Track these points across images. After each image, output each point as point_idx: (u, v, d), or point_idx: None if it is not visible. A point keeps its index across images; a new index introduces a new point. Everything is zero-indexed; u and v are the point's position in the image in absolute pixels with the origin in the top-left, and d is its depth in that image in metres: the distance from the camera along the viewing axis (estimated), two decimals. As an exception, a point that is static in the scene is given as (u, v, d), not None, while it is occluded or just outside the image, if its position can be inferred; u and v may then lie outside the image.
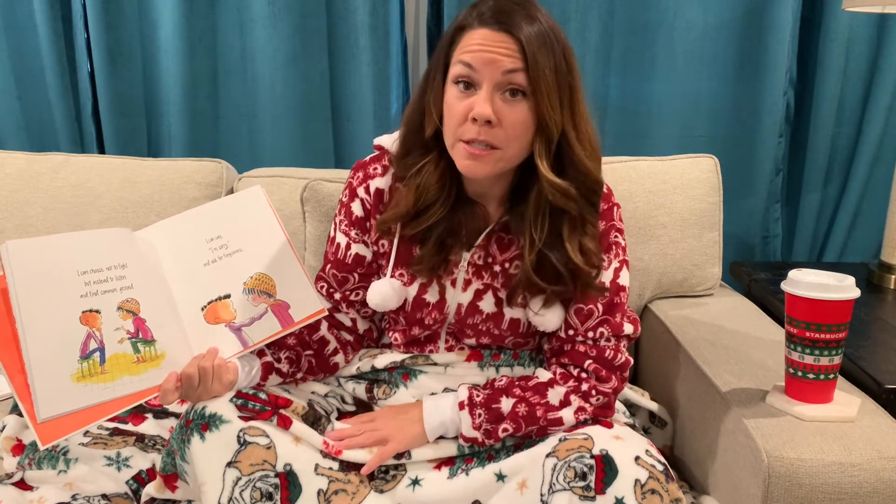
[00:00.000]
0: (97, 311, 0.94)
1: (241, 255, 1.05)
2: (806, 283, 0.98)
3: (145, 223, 1.50)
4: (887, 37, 1.77)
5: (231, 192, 1.57)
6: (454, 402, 1.03)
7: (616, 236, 1.09)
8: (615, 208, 1.10)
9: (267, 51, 1.77)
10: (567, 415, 1.02)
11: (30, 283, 0.92)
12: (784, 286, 1.00)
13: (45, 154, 1.59)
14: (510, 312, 1.08)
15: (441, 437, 1.05)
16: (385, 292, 1.08)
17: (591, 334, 1.05)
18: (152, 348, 0.96)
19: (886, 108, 1.80)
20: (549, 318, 1.06)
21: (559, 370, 1.06)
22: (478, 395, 1.03)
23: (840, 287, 0.97)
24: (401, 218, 1.05)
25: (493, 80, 0.94)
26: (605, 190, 1.06)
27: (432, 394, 1.10)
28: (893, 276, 1.55)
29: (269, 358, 1.06)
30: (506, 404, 1.02)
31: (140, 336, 0.96)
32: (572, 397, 1.02)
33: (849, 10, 1.58)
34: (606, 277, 1.06)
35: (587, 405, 1.03)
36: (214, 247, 1.04)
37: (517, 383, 1.05)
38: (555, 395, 1.03)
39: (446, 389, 1.10)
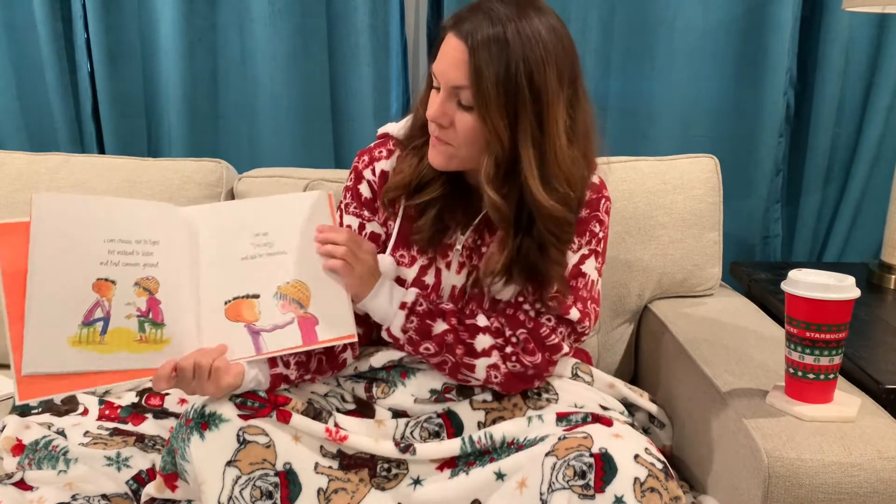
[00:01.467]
0: (112, 282, 0.91)
1: (284, 258, 1.00)
2: (806, 283, 0.98)
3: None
4: (887, 37, 1.77)
5: (231, 192, 1.57)
6: (399, 299, 1.05)
7: (595, 226, 1.11)
8: (603, 200, 1.12)
9: (267, 51, 1.77)
10: (481, 364, 1.05)
11: (49, 238, 0.88)
12: (784, 286, 1.00)
13: (45, 154, 1.59)
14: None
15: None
16: (384, 262, 1.09)
17: (538, 306, 1.07)
18: (159, 331, 0.94)
19: (886, 108, 1.80)
20: (506, 291, 1.09)
21: (495, 324, 1.08)
22: (420, 305, 1.05)
23: (840, 287, 0.97)
24: (404, 188, 1.09)
25: (446, 89, 0.99)
26: (596, 181, 1.10)
27: (432, 391, 1.10)
28: (893, 277, 1.55)
29: (279, 370, 1.03)
30: (438, 326, 1.04)
31: (150, 316, 0.93)
32: (494, 352, 1.05)
33: (849, 10, 1.58)
34: (571, 261, 1.08)
35: (502, 366, 1.05)
36: (258, 243, 1.00)
37: (457, 315, 1.07)
38: (481, 342, 1.05)
39: (445, 385, 1.10)
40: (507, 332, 1.07)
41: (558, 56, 0.96)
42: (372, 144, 1.17)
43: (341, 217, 1.15)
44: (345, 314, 1.00)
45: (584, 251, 1.10)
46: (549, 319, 1.07)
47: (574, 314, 1.08)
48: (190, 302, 0.96)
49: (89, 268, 0.90)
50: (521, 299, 1.09)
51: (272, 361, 1.02)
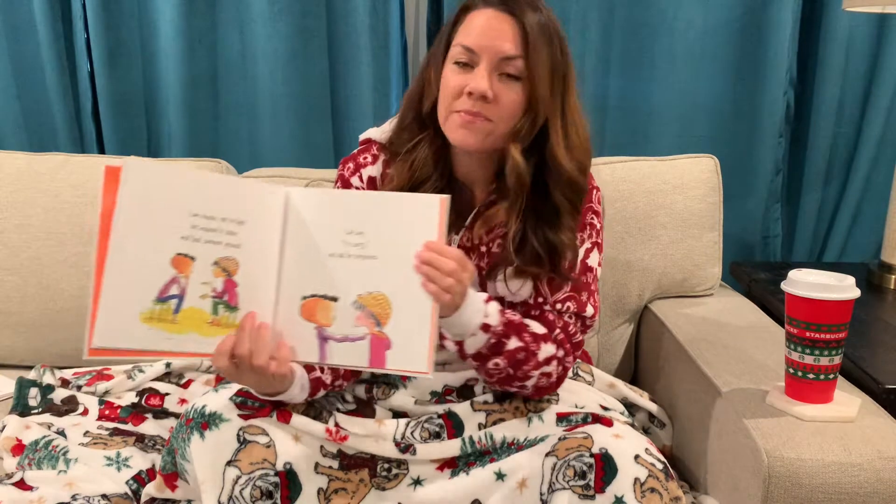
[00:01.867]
0: (191, 258, 0.86)
1: (374, 263, 0.90)
2: (806, 283, 0.98)
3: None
4: (887, 37, 1.77)
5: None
6: (481, 317, 0.97)
7: (592, 218, 1.11)
8: (594, 191, 1.12)
9: (267, 51, 1.77)
10: (536, 374, 1.01)
11: (135, 206, 0.83)
12: (784, 286, 1.00)
13: (45, 154, 1.59)
14: (491, 290, 1.08)
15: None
16: None
17: (559, 306, 1.06)
18: (232, 315, 0.89)
19: (886, 108, 1.80)
20: (523, 291, 1.07)
21: (550, 329, 1.05)
22: (499, 326, 0.98)
23: (840, 287, 0.97)
24: None
25: (491, 62, 0.98)
26: None
27: (432, 392, 1.10)
28: (893, 277, 1.55)
29: (317, 373, 1.01)
30: (511, 343, 0.99)
31: (225, 298, 0.88)
32: (553, 361, 1.03)
33: (849, 10, 1.58)
34: (577, 255, 1.08)
35: (554, 374, 1.03)
36: (351, 241, 0.90)
37: (526, 329, 1.01)
38: (544, 351, 1.02)
39: (446, 386, 1.10)
40: (553, 335, 1.05)
41: (566, 36, 1.04)
42: (355, 151, 1.15)
43: None
44: (423, 346, 0.89)
45: (587, 245, 1.10)
46: (570, 317, 1.07)
47: (589, 310, 1.08)
48: (267, 289, 0.91)
49: (170, 241, 0.85)
50: (540, 300, 1.07)
51: (308, 366, 1.00)
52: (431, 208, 0.89)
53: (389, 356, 0.90)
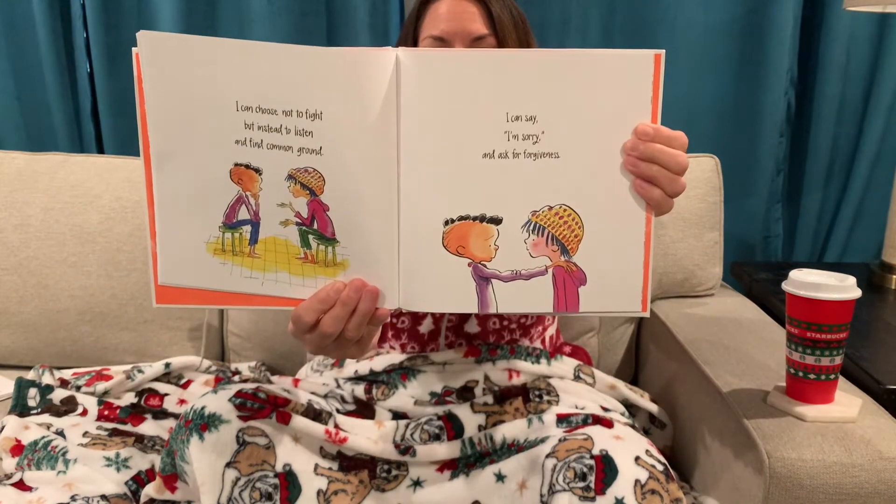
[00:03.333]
0: (256, 171, 0.64)
1: (556, 164, 0.64)
2: (807, 283, 0.98)
3: (144, 223, 1.50)
4: (888, 36, 1.76)
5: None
6: None
7: None
8: None
9: (267, 50, 1.77)
10: None
11: (166, 97, 0.62)
12: (785, 286, 1.00)
13: (44, 154, 1.59)
14: None
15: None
16: None
17: None
18: (331, 249, 0.66)
19: (887, 108, 1.80)
20: None
21: None
22: None
23: (841, 287, 0.97)
24: None
25: (464, 45, 1.01)
26: None
27: (432, 393, 1.10)
28: (894, 277, 1.55)
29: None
30: None
31: (314, 226, 0.66)
32: None
33: (849, 9, 1.57)
34: None
35: None
36: (516, 131, 0.63)
37: None
38: None
39: (445, 388, 1.10)
40: None
41: None
42: None
43: None
44: (636, 276, 0.68)
45: None
46: None
47: None
48: (382, 214, 0.65)
49: (223, 147, 0.64)
50: None
51: None
52: (643, 71, 0.62)
53: (585, 294, 0.68)
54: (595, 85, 0.62)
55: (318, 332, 0.71)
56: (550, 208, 0.65)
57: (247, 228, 0.66)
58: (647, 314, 0.69)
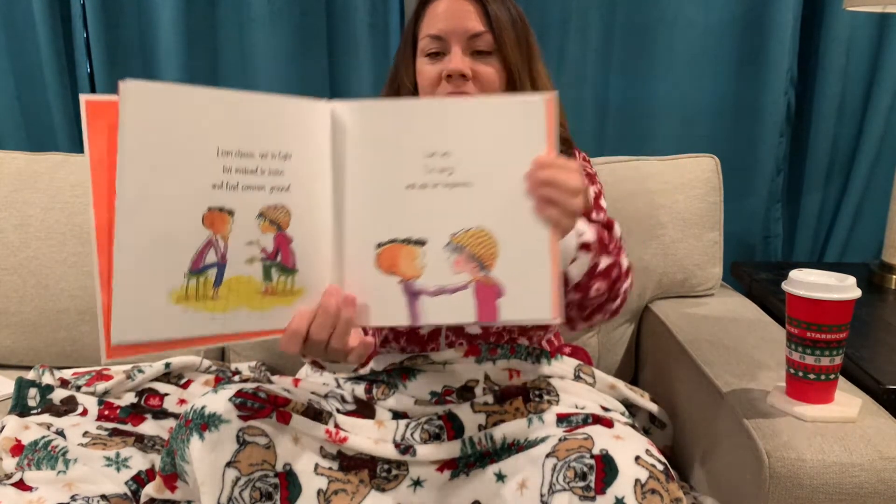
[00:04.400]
0: (229, 212, 0.66)
1: (469, 192, 0.72)
2: (807, 283, 0.98)
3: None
4: (888, 37, 1.76)
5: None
6: (576, 237, 0.88)
7: (586, 167, 1.15)
8: (577, 152, 1.16)
9: (266, 50, 1.77)
10: (622, 289, 0.98)
11: (145, 147, 0.61)
12: (785, 286, 1.00)
13: (43, 154, 1.59)
14: None
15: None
16: None
17: (597, 216, 1.01)
18: (290, 280, 0.70)
19: (887, 108, 1.80)
20: None
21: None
22: (594, 242, 0.89)
23: (841, 287, 0.97)
24: None
25: (461, 42, 1.02)
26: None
27: (432, 393, 1.10)
28: (894, 277, 1.55)
29: (369, 336, 0.87)
30: (603, 261, 0.90)
31: (278, 259, 0.69)
32: (631, 272, 1.00)
33: (849, 9, 1.57)
34: (589, 196, 1.06)
35: (627, 286, 1.00)
36: (434, 167, 0.72)
37: (612, 239, 0.94)
38: (625, 262, 0.99)
39: (445, 387, 1.10)
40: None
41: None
42: None
43: None
44: (545, 286, 0.74)
45: (594, 189, 1.12)
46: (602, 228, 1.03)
47: (617, 229, 1.04)
48: (330, 240, 0.72)
49: (199, 192, 0.64)
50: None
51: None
52: (537, 112, 0.72)
53: (503, 305, 0.74)
54: (498, 125, 0.71)
55: (309, 341, 0.75)
56: (468, 231, 0.73)
57: (212, 272, 0.67)
58: (558, 320, 0.75)
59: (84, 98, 0.60)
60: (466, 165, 0.72)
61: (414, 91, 1.09)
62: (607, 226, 0.98)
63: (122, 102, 0.61)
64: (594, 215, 1.02)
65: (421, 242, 0.73)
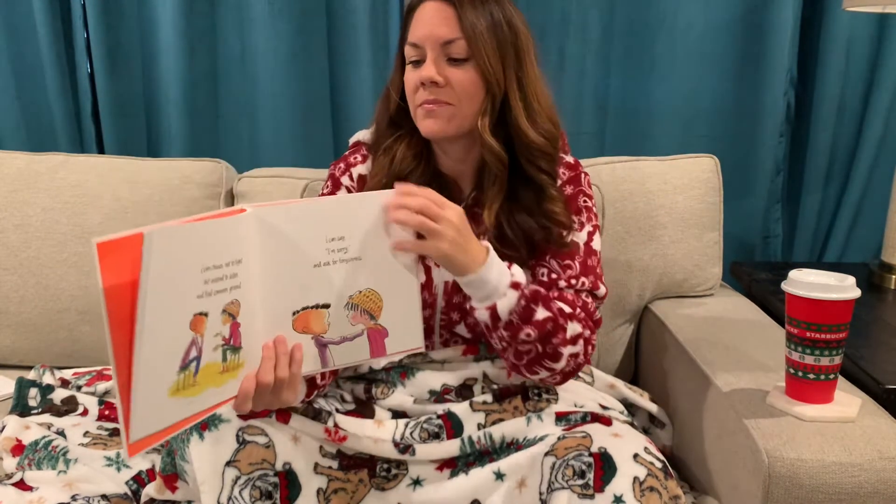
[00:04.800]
0: (205, 315, 0.78)
1: (359, 264, 0.90)
2: (806, 283, 0.98)
3: (145, 223, 1.49)
4: (888, 37, 1.76)
5: (231, 192, 1.57)
6: (509, 277, 0.96)
7: (585, 201, 1.12)
8: (583, 175, 1.14)
9: (267, 51, 1.77)
10: (566, 353, 0.99)
11: (160, 281, 0.73)
12: (784, 286, 1.00)
13: (44, 154, 1.59)
14: None
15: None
16: None
17: (573, 282, 1.06)
18: (237, 356, 0.83)
19: (887, 108, 1.80)
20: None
21: (574, 307, 1.03)
22: (527, 289, 0.96)
23: (840, 287, 0.97)
24: (381, 189, 1.07)
25: (434, 50, 1.02)
26: (571, 161, 1.13)
27: (431, 392, 1.10)
28: (894, 277, 1.55)
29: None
30: (539, 312, 0.96)
31: (231, 342, 0.82)
32: (580, 340, 1.01)
33: (849, 9, 1.58)
34: (580, 239, 1.09)
35: (580, 355, 1.01)
36: (333, 248, 0.89)
37: (553, 300, 1.00)
38: (572, 329, 1.00)
39: (444, 386, 1.10)
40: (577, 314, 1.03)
41: (518, 12, 1.06)
42: (346, 153, 1.19)
43: None
44: (415, 324, 0.95)
45: (588, 227, 1.11)
46: (587, 296, 1.07)
47: (602, 289, 1.08)
48: (261, 316, 0.86)
49: (189, 304, 0.77)
50: (553, 276, 1.07)
51: None
52: (381, 200, 0.91)
53: (388, 343, 0.93)
54: (365, 213, 0.90)
55: (258, 390, 0.85)
56: (360, 292, 0.91)
57: (193, 364, 0.78)
58: (422, 349, 0.97)
59: (95, 241, 0.69)
60: (355, 244, 0.90)
61: (400, 99, 1.10)
62: (546, 297, 0.98)
63: (146, 247, 0.72)
64: (573, 281, 1.06)
65: (326, 306, 0.90)
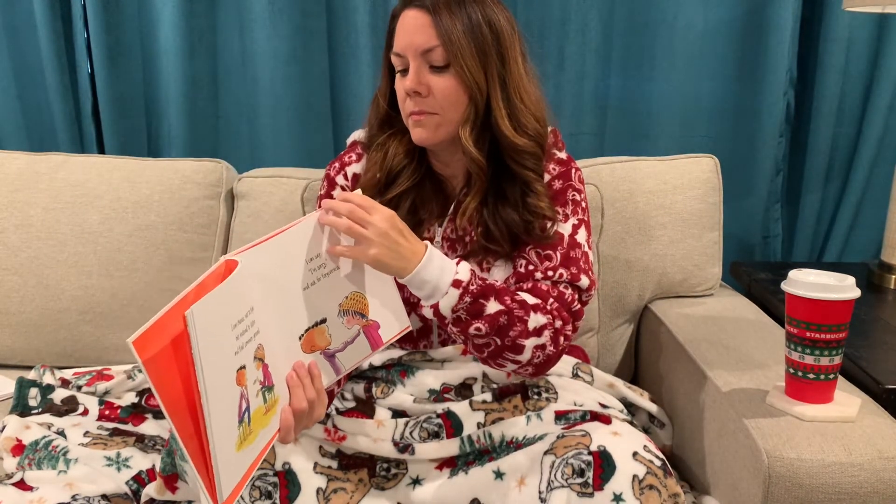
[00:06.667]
0: (244, 367, 0.81)
1: (337, 273, 0.95)
2: (806, 283, 0.98)
3: (144, 223, 1.51)
4: (887, 37, 1.76)
5: (231, 192, 1.57)
6: (452, 274, 0.96)
7: (574, 195, 1.12)
8: (574, 171, 1.14)
9: (267, 51, 1.77)
10: (530, 345, 0.99)
11: (209, 351, 0.75)
12: (784, 286, 1.00)
13: (44, 154, 1.59)
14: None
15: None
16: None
17: (550, 273, 1.06)
18: (272, 394, 0.87)
19: (886, 108, 1.80)
20: (494, 274, 1.10)
21: (540, 300, 1.03)
22: (473, 285, 0.97)
23: (840, 287, 0.97)
24: (374, 186, 1.10)
25: (416, 59, 1.03)
26: (563, 157, 1.13)
27: (431, 391, 1.10)
28: (893, 277, 1.55)
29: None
30: (491, 306, 0.97)
31: (266, 384, 0.85)
32: (545, 332, 1.00)
33: (849, 10, 1.58)
34: (565, 231, 1.09)
35: (549, 346, 1.01)
36: (313, 267, 0.94)
37: (510, 293, 1.00)
38: (534, 321, 1.00)
39: (444, 385, 1.10)
40: (547, 306, 1.03)
41: (502, 9, 1.06)
42: (342, 152, 1.20)
43: None
44: (398, 307, 1.00)
45: (574, 220, 1.10)
46: (565, 287, 1.06)
47: (584, 280, 1.07)
48: (279, 351, 0.90)
49: (231, 363, 0.80)
50: (531, 267, 1.07)
51: None
52: (313, 225, 0.96)
53: (382, 333, 0.99)
54: (320, 229, 0.94)
55: (296, 418, 0.88)
56: (347, 297, 0.96)
57: (246, 415, 0.82)
58: (409, 327, 1.02)
59: (130, 341, 0.72)
60: (328, 259, 0.95)
61: (389, 106, 1.11)
62: (501, 290, 0.99)
63: (191, 325, 0.73)
64: (551, 273, 1.05)
65: (323, 321, 0.94)
